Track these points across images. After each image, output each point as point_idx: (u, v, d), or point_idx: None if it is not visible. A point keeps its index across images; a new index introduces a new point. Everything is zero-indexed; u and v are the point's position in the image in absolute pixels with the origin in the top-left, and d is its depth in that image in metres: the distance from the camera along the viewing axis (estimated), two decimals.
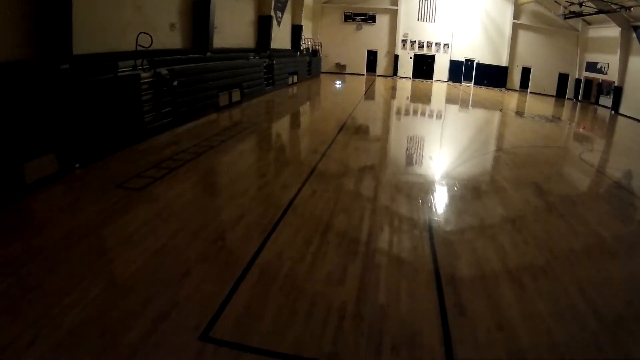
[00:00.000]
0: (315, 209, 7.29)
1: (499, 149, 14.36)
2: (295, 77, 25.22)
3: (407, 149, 13.22)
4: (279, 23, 25.55)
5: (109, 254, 5.45)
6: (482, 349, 4.22)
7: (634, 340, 4.70)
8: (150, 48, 11.46)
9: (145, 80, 10.60)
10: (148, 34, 11.39)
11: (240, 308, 4.43)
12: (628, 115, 25.50)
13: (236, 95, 16.52)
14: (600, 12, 25.43)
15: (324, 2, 35.23)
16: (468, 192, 9.04)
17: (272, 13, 23.50)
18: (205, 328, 4.06)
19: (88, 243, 5.63)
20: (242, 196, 7.68)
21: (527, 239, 6.93)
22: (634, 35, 25.59)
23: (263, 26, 22.87)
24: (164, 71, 11.39)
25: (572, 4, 26.08)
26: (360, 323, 4.39)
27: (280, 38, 26.21)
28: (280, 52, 24.67)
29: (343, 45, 35.85)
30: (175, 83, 11.77)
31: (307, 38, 31.82)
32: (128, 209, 6.72)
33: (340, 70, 36.09)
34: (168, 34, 14.21)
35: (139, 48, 11.29)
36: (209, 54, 15.87)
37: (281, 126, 15.50)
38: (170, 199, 7.35)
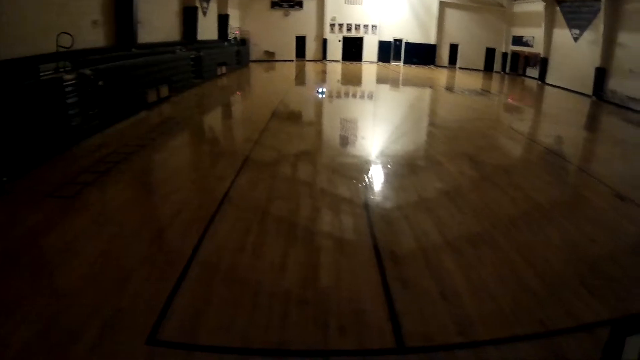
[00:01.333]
0: (251, 198, 7.25)
1: (431, 124, 14.79)
2: (224, 68, 24.77)
3: (340, 131, 13.34)
4: (204, 13, 24.98)
5: (49, 266, 5.16)
6: (428, 320, 4.35)
7: (575, 296, 4.97)
8: (72, 48, 10.91)
9: (69, 83, 10.06)
10: (68, 33, 10.83)
11: (184, 306, 4.35)
12: (554, 84, 26.90)
13: (165, 91, 16.02)
14: None
15: None
16: (403, 168, 9.27)
17: (198, 3, 23.08)
18: (151, 332, 3.94)
19: (27, 257, 5.33)
20: (177, 192, 7.51)
21: (465, 210, 7.19)
22: (558, 8, 26.98)
23: (189, 17, 22.39)
24: (87, 71, 10.87)
25: None
26: (306, 307, 4.41)
27: (207, 29, 25.70)
28: (208, 43, 24.20)
29: (271, 32, 35.56)
30: (100, 83, 11.28)
31: (234, 27, 31.34)
32: (63, 218, 6.38)
33: (269, 58, 35.83)
34: (90, 32, 13.56)
35: (59, 49, 10.73)
36: (134, 50, 15.30)
37: (212, 118, 15.28)
38: (105, 203, 7.09)
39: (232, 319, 4.18)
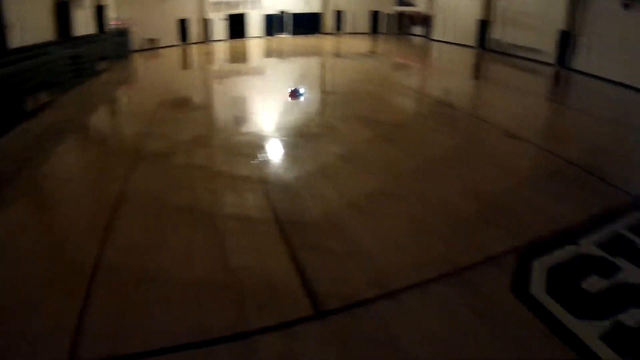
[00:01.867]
0: (149, 193, 6.96)
1: (322, 91, 14.89)
2: (106, 63, 23.48)
3: (232, 111, 13.07)
4: (79, 7, 23.40)
5: None
6: (341, 280, 4.48)
7: (481, 233, 5.24)
8: None
9: None
10: None
11: (100, 318, 4.11)
12: (440, 39, 28.04)
13: (44, 96, 14.90)
14: None
15: None
16: (299, 138, 9.34)
17: None
18: (70, 353, 3.68)
19: None
20: (71, 201, 7.00)
21: (363, 170, 7.46)
22: None
23: (62, 13, 20.61)
24: None
25: None
26: (220, 292, 4.36)
27: (84, 23, 24.04)
28: (86, 39, 22.66)
29: (151, 18, 33.86)
30: None
31: (112, 18, 29.67)
32: None
33: (152, 45, 34.28)
34: None
35: None
36: (4, 58, 14.03)
37: (98, 117, 14.33)
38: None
39: (150, 320, 4.05)
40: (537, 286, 4.80)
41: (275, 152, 8.52)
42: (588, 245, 5.73)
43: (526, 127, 9.97)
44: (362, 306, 4.13)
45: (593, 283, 4.92)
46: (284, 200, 6.34)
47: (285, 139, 9.22)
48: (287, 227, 5.53)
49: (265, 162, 7.95)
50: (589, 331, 4.19)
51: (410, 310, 4.15)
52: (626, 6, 17.34)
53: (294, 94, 12.95)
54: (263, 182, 7.04)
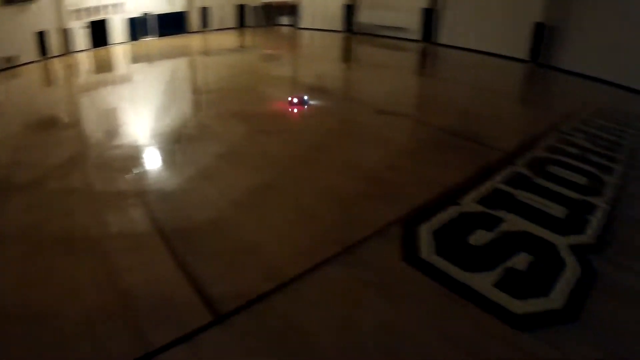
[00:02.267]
0: (23, 227, 6.22)
1: (194, 91, 14.56)
2: None
3: (104, 125, 12.35)
4: None
5: None
6: (234, 280, 4.45)
7: (363, 210, 5.44)
8: None
9: None
10: None
11: None
12: (308, 27, 28.43)
13: None
14: None
15: None
16: (175, 143, 8.97)
17: None
18: None
19: None
20: None
21: (241, 166, 7.36)
22: None
23: None
24: None
25: None
26: (114, 319, 4.09)
27: None
28: None
29: (5, 35, 31.46)
30: None
31: None
32: None
33: (9, 64, 31.15)
34: None
35: None
36: None
37: None
38: None
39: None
40: (426, 250, 4.99)
41: (152, 161, 8.14)
42: (469, 204, 6.09)
43: (399, 102, 10.41)
44: (260, 302, 4.10)
45: (479, 237, 5.25)
46: (165, 210, 6.08)
47: (161, 146, 8.82)
48: (172, 236, 5.31)
49: (143, 174, 7.55)
50: (483, 281, 4.47)
51: (307, 297, 4.17)
52: None
53: (300, 103, 11.17)
54: (142, 194, 6.66)
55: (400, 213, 5.65)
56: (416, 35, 21.33)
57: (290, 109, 10.83)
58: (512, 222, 5.69)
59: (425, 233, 5.34)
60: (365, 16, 24.24)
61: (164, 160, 8.19)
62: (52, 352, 3.79)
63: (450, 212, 5.86)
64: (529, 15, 17.82)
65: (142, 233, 5.59)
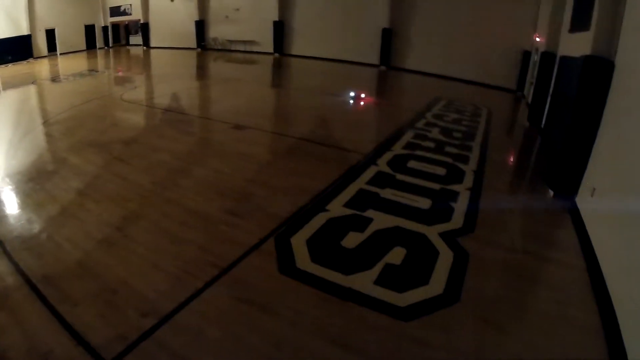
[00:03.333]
0: None
1: (44, 123, 13.76)
2: None
3: None
4: None
5: None
6: (112, 322, 4.29)
7: (231, 227, 5.66)
8: None
9: None
10: None
11: None
12: (159, 46, 27.96)
13: None
14: None
15: None
16: (30, 182, 8.30)
17: None
18: None
19: None
20: None
21: (103, 200, 7.11)
22: None
23: None
24: None
25: None
26: None
27: None
28: None
29: None
30: None
31: None
32: None
33: None
34: None
35: None
36: None
37: None
38: None
39: None
40: (302, 259, 5.18)
41: (8, 205, 7.48)
42: (337, 208, 6.38)
43: (255, 114, 10.67)
44: (145, 340, 4.01)
45: (352, 239, 5.54)
46: (30, 257, 5.64)
47: (15, 186, 8.17)
48: (41, 285, 4.97)
49: (1, 219, 6.94)
50: (363, 281, 4.72)
51: (190, 327, 4.14)
52: None
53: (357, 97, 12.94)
54: (2, 243, 6.09)
55: (271, 226, 5.79)
56: (268, 48, 21.92)
57: (143, 133, 10.74)
58: (382, 220, 6.06)
59: (298, 243, 5.53)
60: (216, 32, 24.40)
61: (22, 202, 7.55)
62: None
63: (320, 219, 6.11)
64: (376, 21, 19.05)
65: (9, 286, 5.13)
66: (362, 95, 14.06)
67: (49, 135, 11.91)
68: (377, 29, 19.06)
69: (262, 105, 12.49)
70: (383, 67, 18.82)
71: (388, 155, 8.36)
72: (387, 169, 7.73)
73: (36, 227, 6.56)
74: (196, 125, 10.85)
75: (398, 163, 8.00)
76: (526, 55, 15.64)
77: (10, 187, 8.22)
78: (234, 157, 8.29)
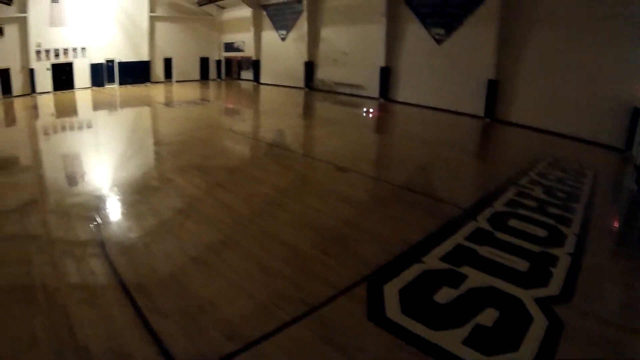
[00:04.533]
0: None
1: (155, 143, 14.44)
2: None
3: (63, 170, 12.09)
4: None
5: None
6: (196, 339, 4.26)
7: (323, 266, 5.34)
8: None
9: None
10: None
11: None
12: (269, 83, 29.01)
13: None
14: None
15: None
16: (136, 194, 8.78)
17: None
18: None
19: None
20: None
21: (202, 221, 7.24)
22: (265, 13, 29.04)
23: None
24: None
25: None
26: None
27: None
28: None
29: None
30: None
31: None
32: None
33: None
34: None
35: None
36: None
37: None
38: None
39: None
40: (392, 309, 4.90)
41: (113, 212, 7.89)
42: (433, 261, 6.05)
43: (357, 158, 10.52)
44: None
45: (444, 295, 5.19)
46: (127, 262, 5.86)
47: (122, 196, 8.61)
48: (133, 290, 5.10)
49: (105, 224, 7.29)
50: (451, 340, 4.39)
51: (271, 358, 4.02)
52: (438, 41, 19.52)
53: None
54: (103, 245, 6.42)
55: (364, 271, 5.58)
56: (373, 92, 21.98)
57: (247, 163, 10.90)
58: (477, 278, 5.70)
59: (390, 292, 5.28)
60: (324, 73, 24.88)
61: (126, 212, 7.94)
62: None
63: (415, 269, 5.82)
64: (482, 72, 18.62)
65: (104, 285, 5.35)
66: (464, 147, 13.65)
67: (158, 155, 12.43)
68: (482, 80, 18.56)
69: (364, 149, 12.40)
70: (487, 119, 18.26)
71: (488, 212, 7.91)
72: (486, 226, 7.30)
73: (135, 237, 6.82)
74: (298, 162, 10.92)
75: (498, 220, 7.55)
76: (636, 112, 14.55)
77: (117, 196, 8.69)
78: (332, 197, 8.13)
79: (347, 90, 23.26)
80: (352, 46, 23.26)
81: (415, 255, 6.20)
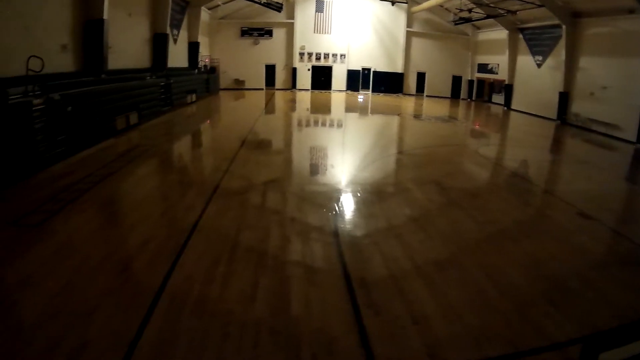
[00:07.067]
0: (221, 228, 7.12)
1: (399, 151, 14.94)
2: (193, 96, 24.55)
3: (310, 160, 13.35)
4: (175, 40, 24.69)
5: (9, 299, 4.89)
6: (400, 345, 4.34)
7: (543, 315, 5.04)
8: (41, 72, 10.73)
9: (37, 107, 9.76)
10: (39, 57, 10.67)
11: (153, 339, 4.18)
12: (519, 109, 27.70)
13: (134, 118, 15.60)
14: (488, 17, 27.57)
15: (220, 18, 34.78)
16: (373, 195, 9.31)
17: (168, 30, 22.64)
18: None
19: None
20: (145, 222, 7.29)
21: (432, 235, 7.28)
22: (521, 36, 28.03)
23: (159, 44, 22.01)
24: (56, 96, 10.51)
25: (461, 10, 28.01)
26: (277, 337, 4.33)
27: (177, 56, 25.41)
28: (178, 71, 23.89)
29: (241, 60, 35.70)
30: (69, 109, 10.96)
31: (204, 55, 31.34)
32: (25, 247, 6.12)
33: (239, 86, 35.91)
34: (60, 56, 13.29)
35: (29, 72, 10.51)
36: (103, 75, 14.90)
37: (181, 146, 15.01)
38: (70, 233, 6.76)
39: (201, 351, 4.08)
40: None
41: (348, 206, 8.51)
42: None
43: (601, 207, 9.57)
44: None
45: None
46: (353, 255, 6.28)
47: (359, 194, 9.22)
48: (354, 282, 5.46)
49: (338, 215, 7.94)
50: None
51: None
52: None
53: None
54: (334, 234, 7.01)
55: (583, 331, 5.13)
56: (631, 136, 19.26)
57: (486, 189, 10.67)
58: None
59: None
60: (579, 107, 22.78)
61: (360, 209, 8.49)
62: (212, 348, 4.11)
63: (636, 347, 5.22)
64: None
65: (327, 270, 5.84)
66: None
67: (399, 163, 12.88)
68: None
69: (612, 199, 10.72)
70: None
71: None
72: None
73: (366, 233, 7.24)
74: (537, 198, 10.30)
75: None
76: None
77: (355, 193, 9.33)
78: (569, 244, 7.47)
79: (602, 129, 20.86)
80: (612, 80, 20.82)
81: None
